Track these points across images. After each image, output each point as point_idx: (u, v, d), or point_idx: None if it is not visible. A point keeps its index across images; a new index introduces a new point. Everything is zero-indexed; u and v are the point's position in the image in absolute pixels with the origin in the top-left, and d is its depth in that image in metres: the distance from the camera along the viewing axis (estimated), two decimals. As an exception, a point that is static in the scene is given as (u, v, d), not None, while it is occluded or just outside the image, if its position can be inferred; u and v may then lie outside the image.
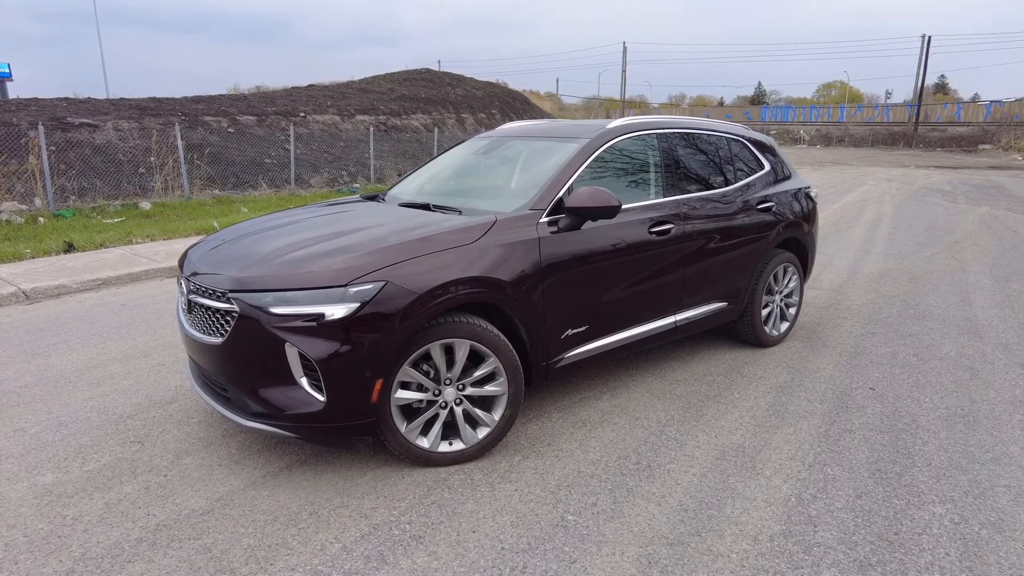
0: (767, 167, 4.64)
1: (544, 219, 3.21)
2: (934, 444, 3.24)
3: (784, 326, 4.77)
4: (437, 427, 2.95)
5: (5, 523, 2.58)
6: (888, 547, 2.45)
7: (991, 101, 42.53)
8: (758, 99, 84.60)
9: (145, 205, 11.29)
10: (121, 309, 5.63)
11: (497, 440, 3.09)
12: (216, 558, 2.37)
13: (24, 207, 10.38)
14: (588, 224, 3.30)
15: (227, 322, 2.77)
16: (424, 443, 2.92)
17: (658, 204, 3.75)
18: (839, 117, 50.00)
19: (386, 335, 2.65)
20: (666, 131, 4.00)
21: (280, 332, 2.61)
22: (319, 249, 2.88)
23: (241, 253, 3.04)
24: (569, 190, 3.34)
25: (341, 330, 2.60)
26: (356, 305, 2.61)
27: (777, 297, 4.67)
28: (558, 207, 3.27)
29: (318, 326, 2.59)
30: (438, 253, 2.84)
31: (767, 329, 4.59)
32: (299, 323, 2.60)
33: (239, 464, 3.03)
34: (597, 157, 3.57)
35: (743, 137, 4.61)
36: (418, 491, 2.80)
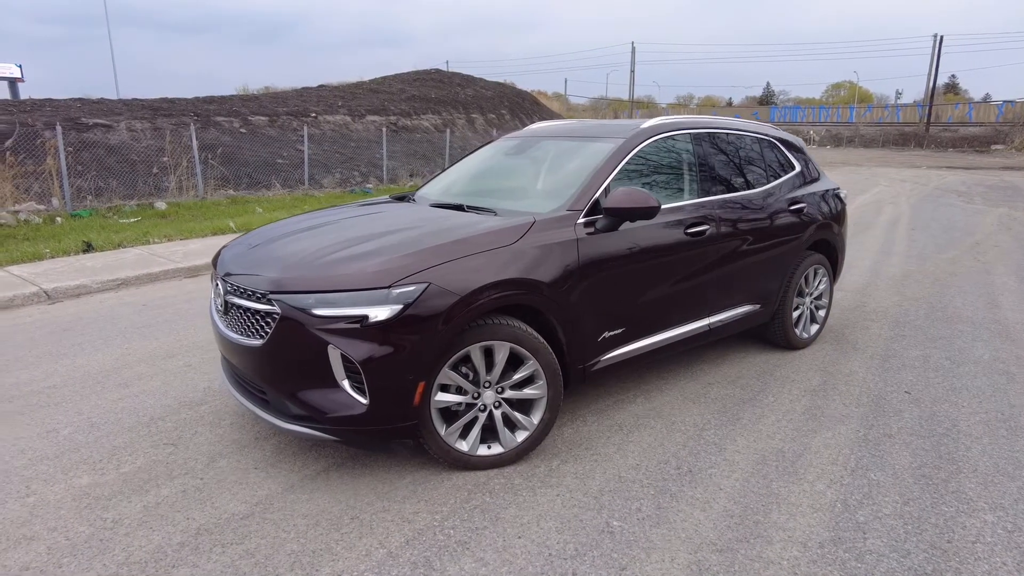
0: (797, 168, 4.59)
1: (582, 220, 3.17)
2: (977, 449, 3.18)
3: (814, 328, 4.72)
4: (476, 430, 2.91)
5: (46, 526, 2.57)
6: (942, 556, 2.40)
7: (1003, 101, 42.18)
8: (766, 99, 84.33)
9: (160, 205, 11.31)
10: (143, 309, 5.62)
11: (535, 444, 3.05)
12: (260, 563, 2.34)
13: (42, 207, 10.41)
14: (625, 225, 3.26)
15: (268, 324, 2.74)
16: (463, 446, 2.89)
17: (693, 205, 3.70)
18: (848, 117, 49.66)
19: (428, 337, 2.62)
20: (699, 131, 3.96)
21: (323, 334, 2.59)
22: (359, 250, 2.85)
23: (279, 254, 3.01)
24: (606, 191, 3.30)
25: (384, 332, 2.57)
26: (399, 307, 2.58)
27: (807, 299, 4.61)
28: (595, 208, 3.23)
29: (361, 328, 2.56)
30: (479, 254, 2.81)
31: (797, 331, 4.54)
32: (342, 325, 2.57)
33: (275, 467, 3.00)
34: (632, 157, 3.53)
35: (773, 137, 4.56)
36: (459, 495, 2.76)
